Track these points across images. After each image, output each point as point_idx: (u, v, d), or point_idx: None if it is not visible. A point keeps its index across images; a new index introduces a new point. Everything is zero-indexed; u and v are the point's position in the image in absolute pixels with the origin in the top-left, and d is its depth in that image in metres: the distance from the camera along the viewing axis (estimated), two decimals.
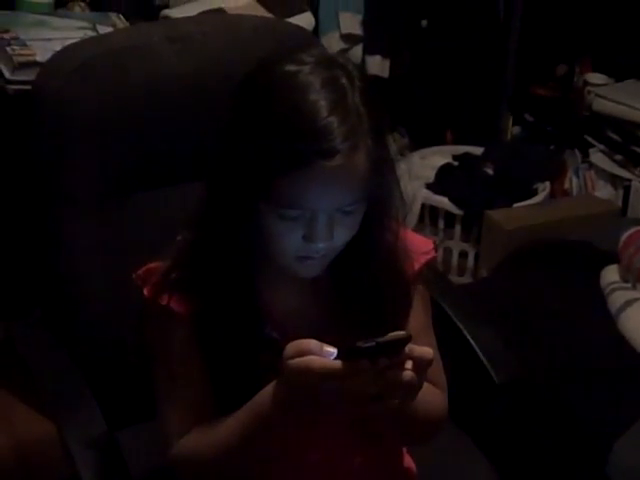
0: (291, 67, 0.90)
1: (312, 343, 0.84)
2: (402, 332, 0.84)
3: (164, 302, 0.98)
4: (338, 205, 0.91)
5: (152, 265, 1.02)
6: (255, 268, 0.99)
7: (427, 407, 1.00)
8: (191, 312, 0.99)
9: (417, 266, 1.05)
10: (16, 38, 1.81)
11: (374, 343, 0.82)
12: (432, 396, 1.03)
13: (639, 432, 1.51)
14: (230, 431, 0.95)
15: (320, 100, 0.88)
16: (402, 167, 2.49)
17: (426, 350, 0.85)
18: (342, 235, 0.94)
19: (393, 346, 0.83)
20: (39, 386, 1.26)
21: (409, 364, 0.84)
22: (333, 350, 0.84)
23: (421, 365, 0.85)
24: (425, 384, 0.93)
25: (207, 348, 0.99)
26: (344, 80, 0.91)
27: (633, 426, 1.52)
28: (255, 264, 0.99)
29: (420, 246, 1.07)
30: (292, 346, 0.85)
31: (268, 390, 0.91)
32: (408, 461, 1.16)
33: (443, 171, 2.61)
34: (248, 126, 0.91)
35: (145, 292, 1.00)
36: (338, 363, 0.82)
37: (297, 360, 0.84)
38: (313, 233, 0.92)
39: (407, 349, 0.84)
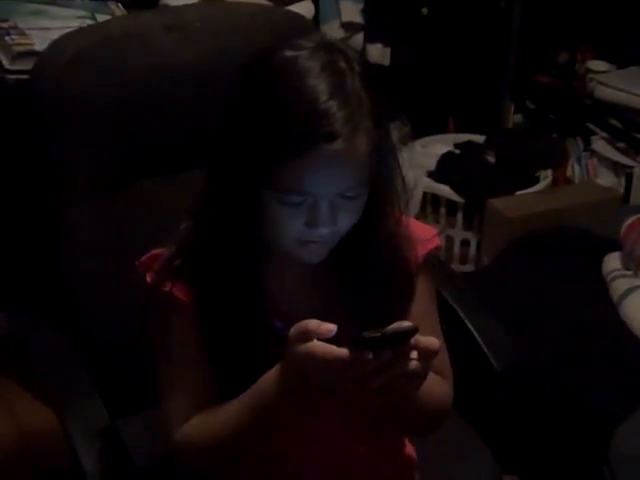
0: (290, 53, 0.90)
1: (310, 323, 0.84)
2: (409, 323, 0.84)
3: (167, 289, 0.98)
4: (340, 190, 0.91)
5: (156, 252, 1.02)
6: (258, 256, 0.99)
7: (432, 397, 0.99)
8: (194, 300, 0.99)
9: (420, 254, 1.04)
10: (15, 27, 1.80)
11: (380, 334, 0.81)
12: (437, 386, 1.03)
13: None
14: (232, 416, 0.95)
15: (319, 84, 0.88)
16: (404, 155, 2.48)
17: (432, 340, 0.85)
18: (345, 220, 0.94)
19: (399, 337, 0.83)
20: (40, 375, 1.26)
21: (414, 354, 0.84)
22: (332, 327, 0.83)
23: (427, 355, 0.85)
24: (430, 374, 0.93)
25: (209, 336, 0.99)
26: (343, 64, 0.90)
27: (635, 412, 1.52)
28: (258, 252, 0.98)
29: (423, 234, 1.06)
30: (295, 327, 0.85)
31: (270, 375, 0.91)
32: (409, 449, 1.16)
33: (445, 159, 2.60)
34: (249, 112, 0.91)
35: (148, 279, 1.00)
36: (341, 351, 0.82)
37: (302, 345, 0.84)
38: (315, 219, 0.92)
39: (413, 340, 0.83)
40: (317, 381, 0.85)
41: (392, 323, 0.84)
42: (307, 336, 0.84)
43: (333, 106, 0.87)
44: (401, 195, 0.99)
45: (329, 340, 0.83)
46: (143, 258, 1.02)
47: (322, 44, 0.92)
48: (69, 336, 1.27)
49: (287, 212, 0.92)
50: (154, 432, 1.07)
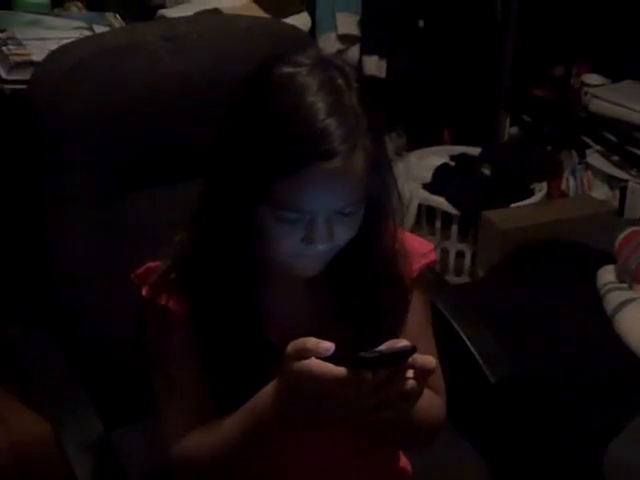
0: (288, 69, 0.90)
1: (309, 341, 0.84)
2: (406, 342, 0.84)
3: (162, 302, 0.98)
4: (337, 207, 0.91)
5: (151, 265, 1.02)
6: (253, 270, 0.98)
7: (426, 413, 0.99)
8: (189, 313, 0.98)
9: (415, 268, 1.05)
10: (12, 38, 1.81)
11: (378, 354, 0.81)
12: (431, 402, 1.02)
13: (634, 431, 1.52)
14: (228, 432, 0.95)
15: (317, 102, 0.88)
16: (399, 167, 2.49)
17: (429, 360, 0.84)
18: (343, 235, 0.94)
19: (397, 356, 0.83)
20: (34, 386, 1.26)
21: (410, 373, 0.84)
22: (330, 346, 0.83)
23: (423, 374, 0.85)
24: (424, 390, 0.93)
25: (205, 349, 0.99)
26: (340, 81, 0.90)
27: (628, 426, 1.52)
28: (253, 266, 0.98)
29: (419, 248, 1.07)
30: (292, 345, 0.85)
31: (266, 391, 0.90)
32: (404, 461, 1.16)
33: (440, 171, 2.61)
34: (246, 129, 0.91)
35: (144, 292, 1.00)
36: (340, 370, 0.82)
37: (298, 363, 0.84)
38: (312, 235, 0.91)
39: (411, 359, 0.83)
40: (312, 399, 0.85)
41: (387, 339, 0.84)
42: (305, 354, 0.84)
43: (331, 124, 0.87)
44: (397, 210, 0.99)
45: (326, 357, 0.83)
46: (138, 271, 1.02)
47: (320, 60, 0.92)
48: (63, 347, 1.27)
49: (284, 228, 0.92)
50: (148, 444, 1.07)
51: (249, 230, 0.94)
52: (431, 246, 1.08)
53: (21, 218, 1.36)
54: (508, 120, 2.92)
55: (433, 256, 1.08)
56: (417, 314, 1.05)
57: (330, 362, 0.83)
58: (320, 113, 0.87)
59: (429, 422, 1.02)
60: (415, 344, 0.84)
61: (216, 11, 2.03)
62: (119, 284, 1.06)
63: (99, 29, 1.88)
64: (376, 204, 0.96)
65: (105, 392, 1.25)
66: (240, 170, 0.91)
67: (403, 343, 0.84)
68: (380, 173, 0.94)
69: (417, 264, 1.05)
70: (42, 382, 1.25)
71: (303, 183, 0.88)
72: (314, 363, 0.83)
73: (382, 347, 0.83)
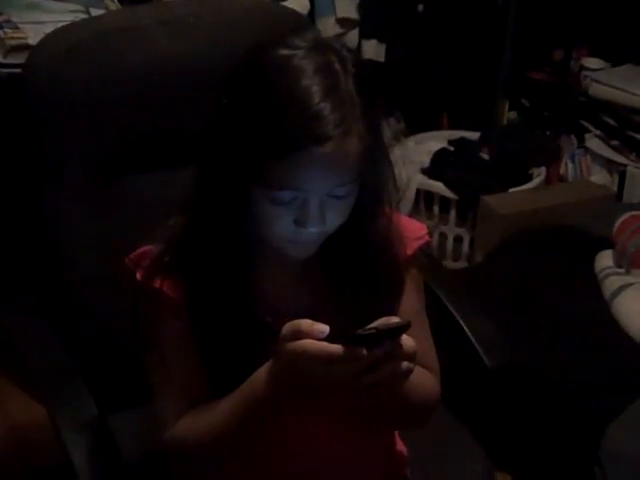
0: (284, 51, 0.90)
1: (303, 322, 0.84)
2: (398, 319, 0.84)
3: (156, 286, 0.98)
4: (329, 189, 0.91)
5: (145, 248, 1.02)
6: (247, 252, 0.99)
7: (420, 391, 1.00)
8: (184, 296, 0.99)
9: (410, 251, 1.05)
10: (8, 21, 1.81)
11: (374, 330, 0.81)
12: (425, 380, 1.03)
13: (632, 416, 1.52)
14: (224, 413, 0.95)
15: (313, 85, 0.88)
16: (397, 152, 2.49)
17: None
18: (334, 220, 0.94)
19: (392, 333, 0.83)
20: (31, 371, 1.26)
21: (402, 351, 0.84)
22: (324, 328, 0.83)
23: (409, 355, 0.85)
24: (419, 368, 0.93)
25: (200, 332, 0.99)
26: (337, 65, 0.90)
27: (626, 410, 1.53)
28: (247, 248, 0.98)
29: (414, 231, 1.07)
30: (287, 326, 0.85)
31: (262, 372, 0.91)
32: (400, 446, 1.16)
33: (439, 156, 2.60)
34: (241, 110, 0.91)
35: (138, 275, 1.00)
36: (334, 347, 0.82)
37: (293, 343, 0.84)
38: (305, 217, 0.92)
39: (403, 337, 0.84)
40: (308, 378, 0.85)
41: (383, 319, 0.84)
42: (299, 336, 0.84)
43: (325, 108, 0.87)
44: (392, 195, 1.00)
45: (320, 339, 0.83)
46: (132, 255, 1.02)
47: (317, 44, 0.92)
48: (61, 332, 1.27)
49: (276, 210, 0.92)
50: (144, 428, 1.08)
51: (243, 212, 0.94)
52: (425, 229, 1.09)
53: (19, 204, 1.36)
54: (507, 104, 2.91)
55: (427, 237, 1.08)
56: (411, 296, 1.06)
57: (324, 341, 0.83)
58: (315, 97, 0.87)
59: (422, 399, 1.02)
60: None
61: None
62: (116, 269, 1.06)
63: (95, 12, 1.88)
64: (371, 188, 0.96)
65: (103, 377, 1.25)
66: (234, 151, 0.91)
67: (395, 319, 0.84)
68: (374, 158, 0.94)
69: (412, 247, 1.05)
70: (39, 367, 1.25)
71: (296, 166, 0.88)
72: (309, 342, 0.83)
73: (376, 324, 0.83)
